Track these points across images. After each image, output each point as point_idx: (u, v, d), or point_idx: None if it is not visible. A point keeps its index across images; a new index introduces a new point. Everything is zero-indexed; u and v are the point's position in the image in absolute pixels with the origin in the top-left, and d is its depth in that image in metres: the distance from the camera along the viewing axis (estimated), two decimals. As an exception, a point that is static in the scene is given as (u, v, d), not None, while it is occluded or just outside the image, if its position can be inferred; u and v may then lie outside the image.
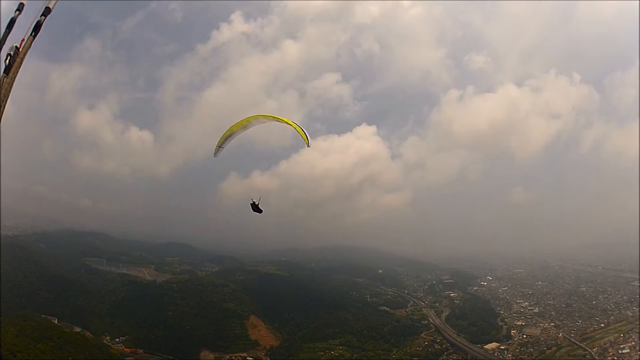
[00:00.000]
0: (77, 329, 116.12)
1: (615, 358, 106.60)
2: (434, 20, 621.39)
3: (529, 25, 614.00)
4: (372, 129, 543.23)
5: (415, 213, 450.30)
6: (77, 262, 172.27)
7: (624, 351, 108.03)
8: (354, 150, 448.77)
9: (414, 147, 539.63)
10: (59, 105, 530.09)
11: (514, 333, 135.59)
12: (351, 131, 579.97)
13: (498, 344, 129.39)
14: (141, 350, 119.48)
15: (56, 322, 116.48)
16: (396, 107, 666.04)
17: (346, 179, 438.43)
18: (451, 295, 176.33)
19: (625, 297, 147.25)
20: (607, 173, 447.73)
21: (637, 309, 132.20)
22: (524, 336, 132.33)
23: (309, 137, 30.45)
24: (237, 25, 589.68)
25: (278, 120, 30.95)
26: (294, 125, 30.17)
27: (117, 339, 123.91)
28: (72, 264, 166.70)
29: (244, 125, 32.02)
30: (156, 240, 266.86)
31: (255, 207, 33.72)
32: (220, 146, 33.41)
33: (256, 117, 31.47)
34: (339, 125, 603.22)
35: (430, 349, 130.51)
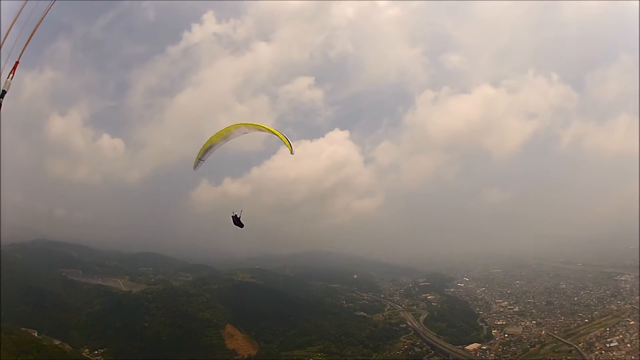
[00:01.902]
0: (57, 342, 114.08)
1: (603, 352, 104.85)
2: (411, 21, 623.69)
3: (507, 25, 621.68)
4: (345, 133, 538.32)
5: (390, 216, 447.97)
6: (53, 273, 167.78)
7: (612, 344, 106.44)
8: (326, 155, 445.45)
9: (387, 150, 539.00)
10: (31, 110, 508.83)
11: (495, 333, 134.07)
12: (323, 136, 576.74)
13: (479, 345, 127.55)
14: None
15: (36, 334, 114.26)
16: (369, 111, 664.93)
17: (319, 184, 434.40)
18: (428, 297, 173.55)
19: (608, 292, 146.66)
20: (586, 171, 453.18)
21: (622, 303, 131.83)
22: (506, 335, 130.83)
23: (292, 145, 30.71)
24: (208, 26, 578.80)
25: (260, 129, 31.16)
26: (277, 133, 30.39)
27: (96, 352, 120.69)
28: (49, 275, 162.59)
29: (225, 135, 31.70)
30: (130, 250, 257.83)
31: (237, 221, 33.48)
32: (200, 159, 32.91)
33: (237, 127, 31.22)
34: (311, 130, 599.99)
35: (410, 352, 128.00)
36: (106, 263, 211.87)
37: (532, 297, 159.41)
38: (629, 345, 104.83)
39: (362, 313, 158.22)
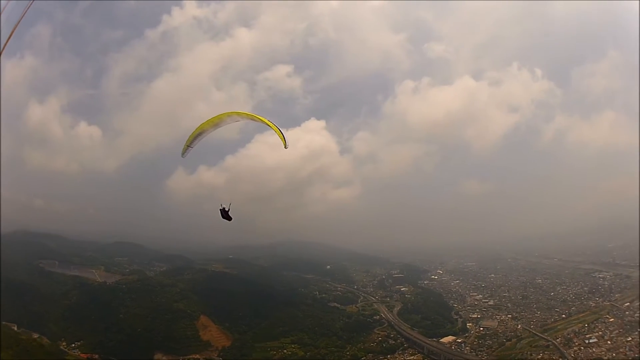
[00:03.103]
0: (35, 335, 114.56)
1: (582, 348, 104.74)
2: (394, 10, 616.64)
3: (492, 17, 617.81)
4: (321, 123, 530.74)
5: (366, 206, 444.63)
6: (32, 265, 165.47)
7: (591, 341, 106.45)
8: (302, 144, 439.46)
9: (364, 140, 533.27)
10: (9, 99, 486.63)
11: (470, 326, 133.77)
12: (299, 125, 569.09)
13: (454, 337, 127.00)
14: (97, 356, 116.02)
15: (15, 328, 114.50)
16: (348, 99, 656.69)
17: (295, 174, 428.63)
18: (402, 289, 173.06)
19: (585, 289, 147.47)
20: (568, 165, 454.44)
21: (601, 300, 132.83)
22: (481, 329, 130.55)
23: (286, 138, 30.33)
24: (189, 9, 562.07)
25: (253, 118, 30.73)
26: (271, 125, 30.09)
27: (73, 344, 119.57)
28: (27, 268, 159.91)
29: (215, 123, 31.37)
30: (106, 239, 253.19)
31: (225, 214, 33.17)
32: (189, 145, 32.77)
33: (229, 115, 30.81)
34: (288, 119, 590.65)
35: (384, 344, 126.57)
36: (82, 253, 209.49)
37: (508, 291, 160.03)
38: (609, 342, 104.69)
39: (335, 304, 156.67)
